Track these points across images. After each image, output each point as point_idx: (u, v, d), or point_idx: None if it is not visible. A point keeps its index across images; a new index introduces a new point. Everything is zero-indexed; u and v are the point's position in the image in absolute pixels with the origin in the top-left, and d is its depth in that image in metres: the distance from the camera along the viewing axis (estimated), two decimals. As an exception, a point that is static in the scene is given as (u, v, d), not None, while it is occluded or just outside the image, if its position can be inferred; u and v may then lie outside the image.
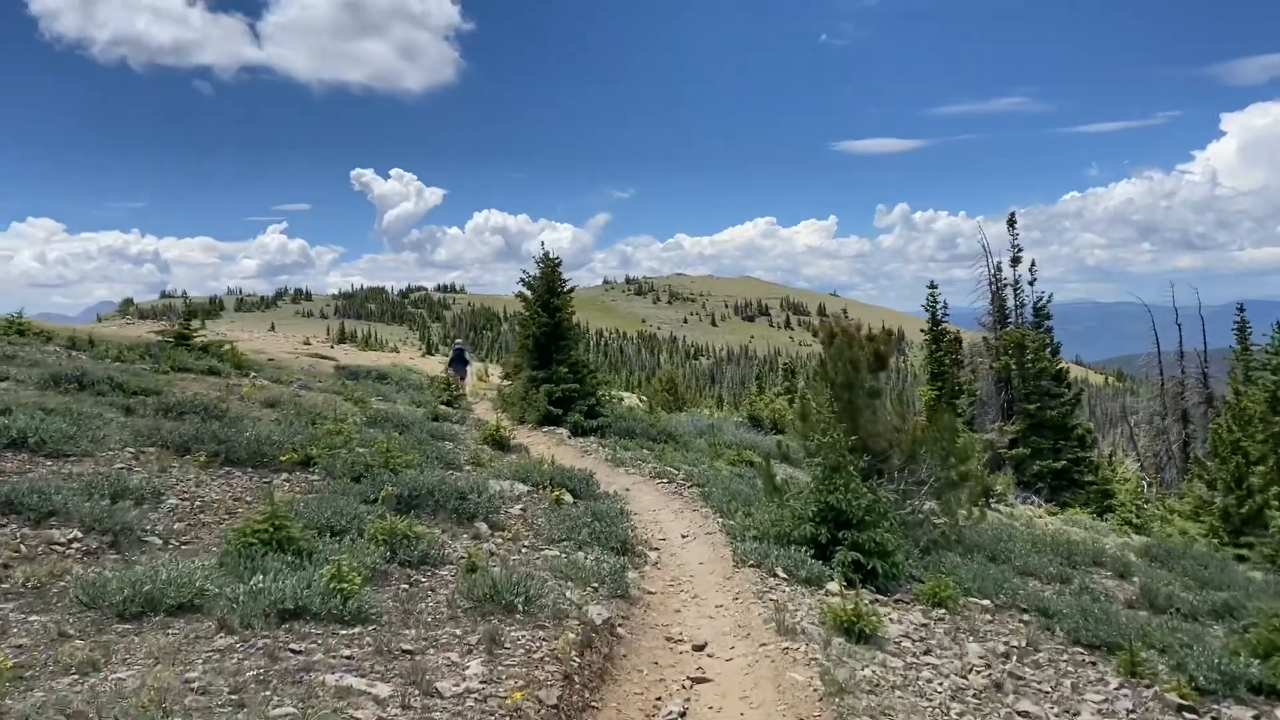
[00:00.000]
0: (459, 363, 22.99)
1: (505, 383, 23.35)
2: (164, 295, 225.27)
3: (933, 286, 27.09)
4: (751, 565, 7.20)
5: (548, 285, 18.02)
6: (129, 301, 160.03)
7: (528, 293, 18.21)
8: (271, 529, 5.23)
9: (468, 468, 9.74)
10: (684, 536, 8.40)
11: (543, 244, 18.44)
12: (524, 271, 18.45)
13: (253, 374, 17.69)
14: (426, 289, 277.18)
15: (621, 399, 23.22)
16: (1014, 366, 25.36)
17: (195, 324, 18.15)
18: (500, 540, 6.95)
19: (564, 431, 16.29)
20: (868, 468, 8.94)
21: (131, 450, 7.39)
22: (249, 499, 6.76)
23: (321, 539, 5.67)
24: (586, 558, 6.66)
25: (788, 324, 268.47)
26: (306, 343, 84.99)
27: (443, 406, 18.15)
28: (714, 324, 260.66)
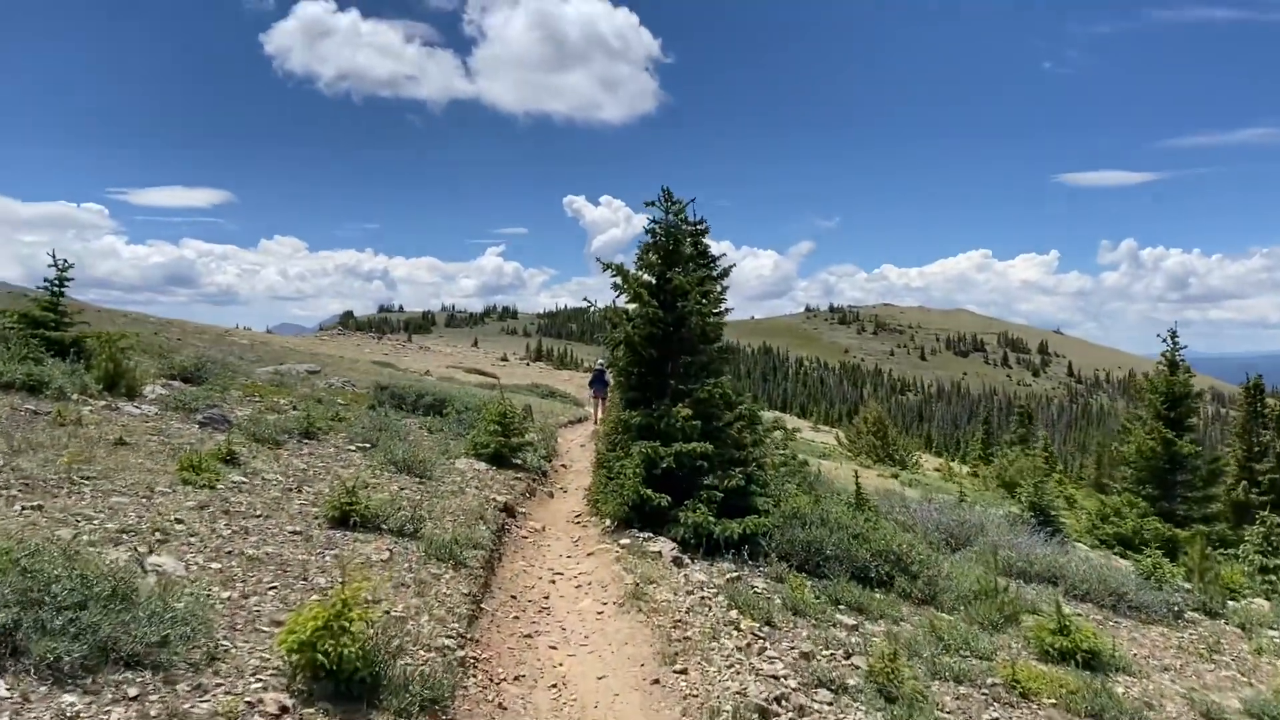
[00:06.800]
0: (599, 384, 20.14)
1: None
2: (382, 309, 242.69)
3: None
4: None
5: (665, 253, 9.51)
6: (349, 314, 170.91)
7: (631, 266, 9.82)
8: None
9: None
10: None
11: (664, 190, 9.80)
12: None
13: (142, 392, 10.51)
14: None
15: (800, 459, 14.15)
16: None
17: (67, 303, 11.37)
18: None
19: (667, 547, 7.67)
20: None
21: None
22: None
23: None
24: None
25: (1005, 361, 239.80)
26: (504, 359, 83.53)
27: (473, 464, 10.18)
28: (923, 358, 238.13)
